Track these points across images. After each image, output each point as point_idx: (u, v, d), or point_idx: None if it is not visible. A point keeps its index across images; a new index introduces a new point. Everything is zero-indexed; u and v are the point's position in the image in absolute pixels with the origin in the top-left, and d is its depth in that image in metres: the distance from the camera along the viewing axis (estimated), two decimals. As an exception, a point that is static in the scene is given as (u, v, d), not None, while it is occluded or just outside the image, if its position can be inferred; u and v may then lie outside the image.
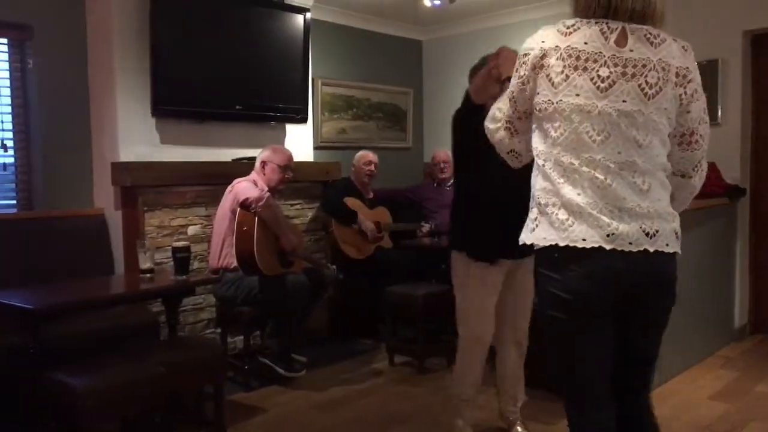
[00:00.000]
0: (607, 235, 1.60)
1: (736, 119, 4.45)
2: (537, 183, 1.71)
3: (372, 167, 4.83)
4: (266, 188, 3.76)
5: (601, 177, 1.62)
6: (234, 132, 4.37)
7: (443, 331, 4.22)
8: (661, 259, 1.65)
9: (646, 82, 1.62)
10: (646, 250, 1.61)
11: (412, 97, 6.09)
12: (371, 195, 4.92)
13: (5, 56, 3.76)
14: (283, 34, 4.51)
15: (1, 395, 2.96)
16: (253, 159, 4.17)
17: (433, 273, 4.45)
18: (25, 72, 3.81)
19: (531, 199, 1.74)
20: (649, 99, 1.63)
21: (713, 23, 4.47)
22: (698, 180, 1.82)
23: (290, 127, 4.72)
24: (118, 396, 2.57)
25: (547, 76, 1.65)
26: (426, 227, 4.83)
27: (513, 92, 1.78)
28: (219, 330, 4.02)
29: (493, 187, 2.62)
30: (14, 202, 3.85)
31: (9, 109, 3.78)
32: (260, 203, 3.59)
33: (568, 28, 1.68)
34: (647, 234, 1.62)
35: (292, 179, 4.03)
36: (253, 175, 3.85)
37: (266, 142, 4.26)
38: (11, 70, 3.79)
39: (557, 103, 1.64)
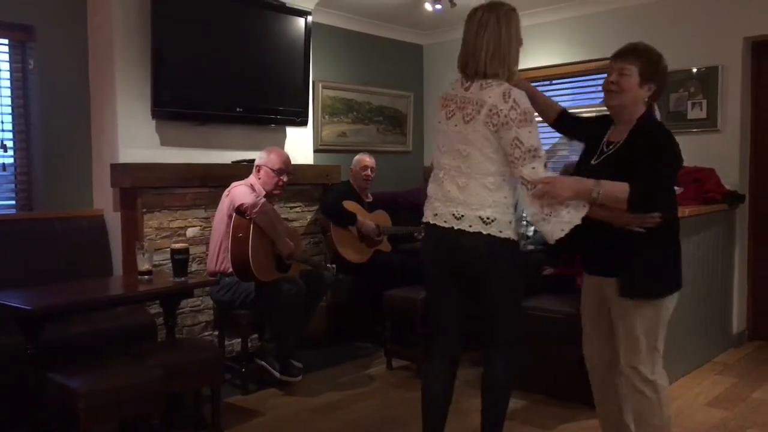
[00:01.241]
0: (434, 215, 2.45)
1: (736, 125, 4.45)
2: None
3: (369, 172, 4.82)
4: (263, 192, 3.75)
5: (441, 175, 2.45)
6: (234, 134, 4.37)
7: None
8: (464, 236, 2.37)
9: (467, 113, 2.36)
10: (452, 228, 2.39)
11: (412, 100, 6.09)
12: (370, 199, 4.92)
13: (6, 56, 3.77)
14: (284, 37, 4.51)
15: (2, 395, 2.96)
16: (252, 161, 4.17)
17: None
18: (25, 72, 3.82)
19: None
20: (467, 123, 2.36)
21: (714, 29, 4.48)
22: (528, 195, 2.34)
23: (290, 130, 4.72)
24: (116, 397, 2.58)
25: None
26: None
27: None
28: (217, 332, 4.02)
29: None
30: (13, 202, 3.85)
31: (9, 109, 3.79)
32: (255, 209, 3.57)
33: (454, 81, 2.51)
34: (455, 216, 2.39)
35: (292, 182, 4.03)
36: (251, 178, 3.84)
37: (266, 144, 4.26)
38: (12, 70, 3.79)
39: (435, 126, 2.54)
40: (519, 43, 2.42)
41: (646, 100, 2.43)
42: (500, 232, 2.34)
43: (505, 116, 2.28)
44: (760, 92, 4.56)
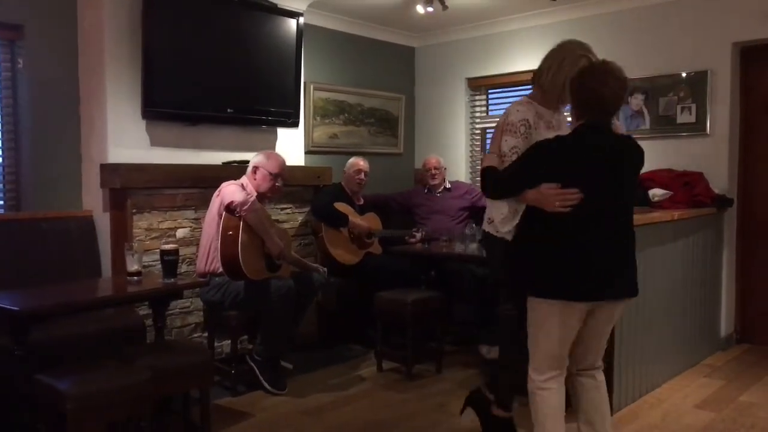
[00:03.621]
0: None
1: (725, 130, 4.49)
2: None
3: (362, 176, 4.82)
4: (254, 193, 3.74)
5: None
6: (225, 135, 4.36)
7: (432, 338, 4.22)
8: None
9: None
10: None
11: (403, 103, 6.10)
12: (361, 202, 4.92)
13: (-5, 56, 3.75)
14: (275, 38, 4.50)
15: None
16: (243, 162, 4.16)
17: (423, 279, 4.45)
18: (14, 72, 3.79)
19: None
20: None
21: (703, 35, 4.51)
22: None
23: (281, 131, 4.71)
24: (105, 400, 2.55)
25: None
26: (417, 236, 4.81)
27: None
28: (206, 334, 4.00)
29: None
30: (1, 202, 3.82)
31: (-2, 108, 3.76)
32: (245, 207, 3.57)
33: None
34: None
35: (283, 183, 4.03)
36: (243, 179, 3.84)
37: (257, 145, 4.26)
38: (1, 69, 3.76)
39: None
40: (561, 74, 2.68)
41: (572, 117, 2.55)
42: (496, 232, 2.75)
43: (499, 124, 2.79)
44: (749, 97, 4.60)
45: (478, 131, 5.98)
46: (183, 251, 3.73)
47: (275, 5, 4.52)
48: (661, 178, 4.37)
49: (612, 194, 2.41)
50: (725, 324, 4.63)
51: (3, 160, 3.80)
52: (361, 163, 4.84)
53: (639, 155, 2.50)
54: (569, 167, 2.39)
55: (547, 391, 2.50)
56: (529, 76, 6.03)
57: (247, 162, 4.13)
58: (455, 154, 5.93)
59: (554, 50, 2.77)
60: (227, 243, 3.57)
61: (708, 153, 4.48)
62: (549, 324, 2.43)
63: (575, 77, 2.47)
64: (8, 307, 2.61)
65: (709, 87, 4.49)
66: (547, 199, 2.38)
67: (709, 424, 3.29)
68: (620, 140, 2.49)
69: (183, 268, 3.85)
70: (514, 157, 2.62)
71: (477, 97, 5.97)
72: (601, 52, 2.66)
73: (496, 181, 2.60)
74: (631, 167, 2.48)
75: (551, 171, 2.40)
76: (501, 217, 2.69)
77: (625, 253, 2.46)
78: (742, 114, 4.62)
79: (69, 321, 3.19)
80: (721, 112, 4.49)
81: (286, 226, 4.56)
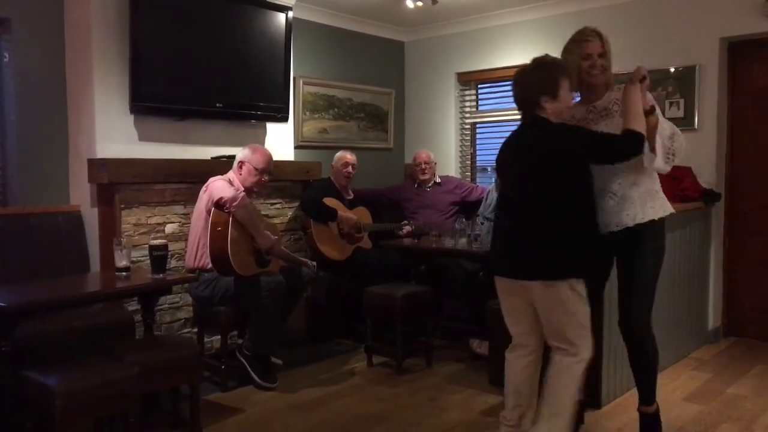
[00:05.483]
0: None
1: (712, 124, 4.51)
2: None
3: (350, 169, 4.81)
4: (242, 188, 3.73)
5: None
6: (214, 130, 4.34)
7: (422, 332, 4.23)
8: None
9: None
10: None
11: (393, 97, 6.09)
12: (351, 196, 4.91)
13: (-20, 49, 3.71)
14: (264, 32, 4.48)
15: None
16: (232, 157, 4.14)
17: (413, 274, 4.45)
18: (1, 66, 3.75)
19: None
20: None
21: (691, 30, 4.53)
22: None
23: (271, 126, 4.70)
24: (93, 396, 2.55)
25: None
26: (407, 228, 4.82)
27: None
28: (196, 329, 3.99)
29: None
30: (-12, 197, 3.79)
31: (-17, 103, 3.73)
32: (234, 203, 3.55)
33: None
34: None
35: (272, 179, 4.01)
36: (230, 173, 3.82)
37: (246, 140, 4.24)
38: (-14, 63, 3.73)
39: None
40: None
41: None
42: None
43: None
44: (736, 91, 4.63)
45: (467, 126, 5.98)
46: (172, 246, 3.72)
47: (264, -1, 4.50)
48: (649, 172, 4.39)
49: (517, 183, 2.66)
50: (713, 317, 4.67)
51: (-11, 154, 3.76)
52: (348, 156, 4.83)
53: (548, 140, 2.54)
54: (497, 163, 2.81)
55: (508, 360, 2.79)
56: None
57: (236, 157, 4.12)
58: (445, 149, 5.93)
59: None
60: (216, 239, 3.56)
61: (695, 148, 4.49)
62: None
63: None
64: (-5, 302, 2.59)
65: (697, 82, 4.52)
66: None
67: (696, 417, 3.32)
68: (536, 132, 2.60)
69: (172, 263, 3.84)
70: None
71: (467, 92, 5.97)
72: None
73: None
74: (539, 155, 2.55)
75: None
76: None
77: (528, 237, 2.57)
78: (730, 109, 4.64)
79: (57, 317, 3.17)
80: (709, 107, 4.52)
81: (275, 221, 4.54)
